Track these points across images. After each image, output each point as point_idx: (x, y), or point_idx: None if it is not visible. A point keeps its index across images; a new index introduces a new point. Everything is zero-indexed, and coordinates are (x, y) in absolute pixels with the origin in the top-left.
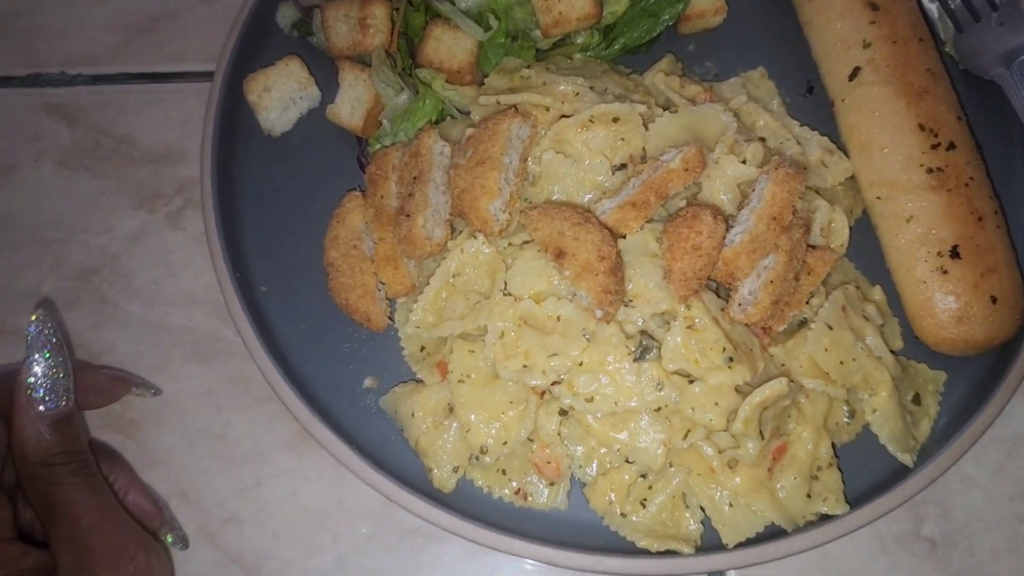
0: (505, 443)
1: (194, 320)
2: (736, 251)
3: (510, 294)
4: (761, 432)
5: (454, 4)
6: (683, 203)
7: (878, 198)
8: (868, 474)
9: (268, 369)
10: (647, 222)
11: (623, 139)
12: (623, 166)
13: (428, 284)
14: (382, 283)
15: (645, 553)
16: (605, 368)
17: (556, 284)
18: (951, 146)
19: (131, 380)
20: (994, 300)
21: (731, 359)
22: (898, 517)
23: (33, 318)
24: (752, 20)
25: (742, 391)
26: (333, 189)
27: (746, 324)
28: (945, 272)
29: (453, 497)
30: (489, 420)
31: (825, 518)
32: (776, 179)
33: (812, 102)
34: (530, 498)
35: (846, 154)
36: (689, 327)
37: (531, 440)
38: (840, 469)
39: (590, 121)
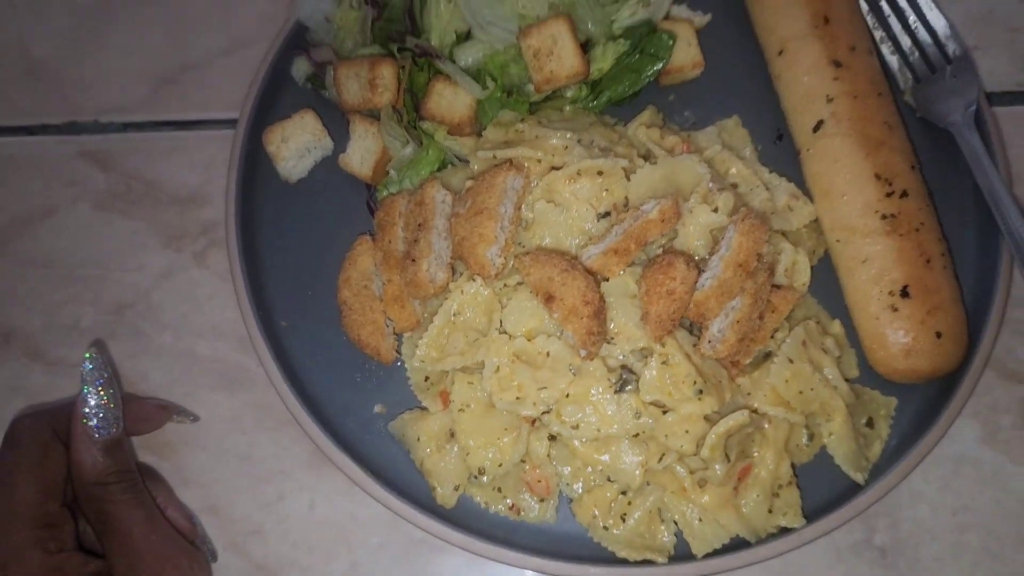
0: (500, 465)
1: (220, 351)
2: (706, 294)
3: (505, 332)
4: (727, 455)
5: (455, 63)
6: (660, 250)
7: (838, 241)
8: (825, 490)
9: (287, 396)
10: (628, 266)
11: (607, 190)
12: (607, 214)
13: (432, 322)
14: (390, 320)
15: (624, 562)
16: (589, 399)
17: (546, 322)
18: (904, 194)
19: (172, 408)
20: (939, 335)
21: (701, 391)
22: (852, 528)
23: (87, 356)
24: (727, 73)
25: (711, 419)
26: (345, 231)
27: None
28: (896, 310)
29: (454, 512)
30: (486, 445)
31: (785, 530)
32: (742, 229)
33: (782, 148)
34: (523, 513)
35: (811, 199)
36: (664, 363)
37: (524, 462)
38: (799, 487)
39: (577, 174)
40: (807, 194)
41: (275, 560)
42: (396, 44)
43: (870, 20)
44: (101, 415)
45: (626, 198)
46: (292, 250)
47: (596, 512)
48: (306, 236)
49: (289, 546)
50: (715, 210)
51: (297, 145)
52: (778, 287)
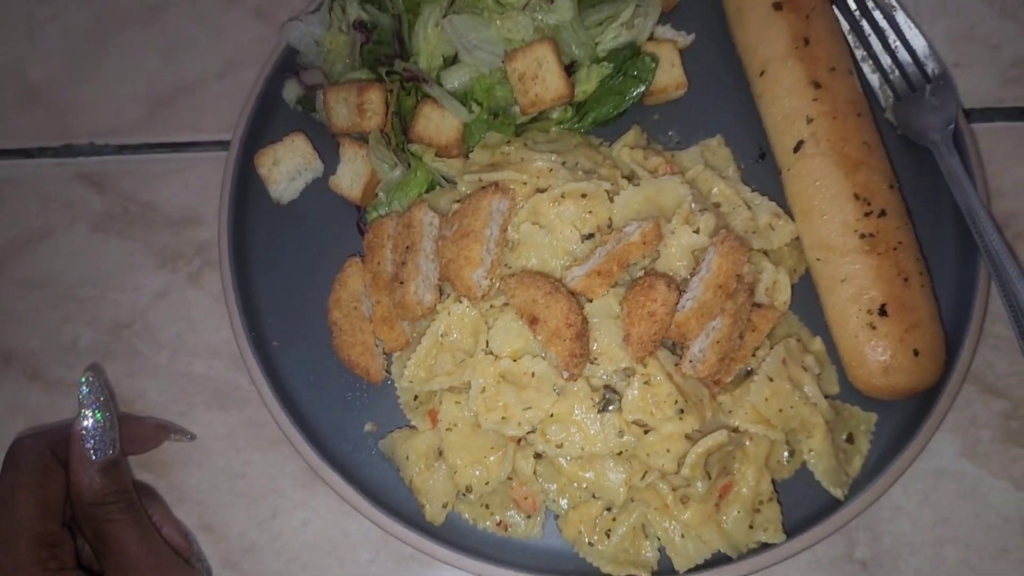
0: (487, 483)
1: (214, 370)
2: (687, 316)
3: (491, 352)
4: (708, 473)
5: (442, 86)
6: (642, 271)
7: (817, 259)
8: (806, 505)
9: (279, 415)
10: (611, 287)
11: (591, 212)
12: (591, 235)
13: (420, 343)
14: (380, 340)
15: None
16: (573, 419)
17: (531, 343)
18: (882, 213)
19: (170, 427)
20: (916, 353)
21: (682, 411)
22: (833, 541)
23: (83, 379)
24: (711, 93)
25: (692, 437)
26: (336, 252)
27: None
28: (874, 328)
29: (443, 529)
30: (473, 463)
31: (766, 546)
32: (722, 251)
33: (764, 167)
34: (510, 529)
35: (792, 218)
36: (646, 383)
37: (510, 479)
38: (780, 502)
39: (562, 196)
40: (789, 213)
41: None
42: (384, 67)
43: (851, 40)
44: (98, 437)
45: (610, 219)
46: (284, 271)
47: (582, 528)
48: (297, 257)
49: (282, 563)
50: (696, 231)
51: (288, 168)
52: (759, 306)
